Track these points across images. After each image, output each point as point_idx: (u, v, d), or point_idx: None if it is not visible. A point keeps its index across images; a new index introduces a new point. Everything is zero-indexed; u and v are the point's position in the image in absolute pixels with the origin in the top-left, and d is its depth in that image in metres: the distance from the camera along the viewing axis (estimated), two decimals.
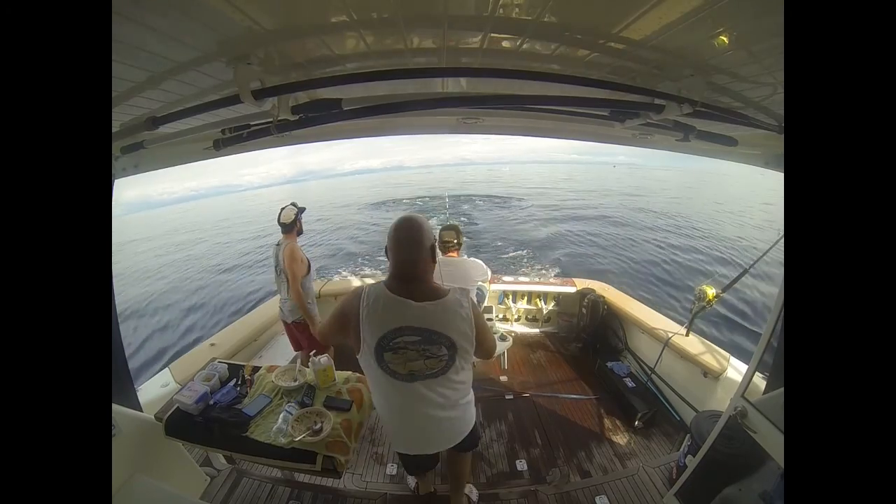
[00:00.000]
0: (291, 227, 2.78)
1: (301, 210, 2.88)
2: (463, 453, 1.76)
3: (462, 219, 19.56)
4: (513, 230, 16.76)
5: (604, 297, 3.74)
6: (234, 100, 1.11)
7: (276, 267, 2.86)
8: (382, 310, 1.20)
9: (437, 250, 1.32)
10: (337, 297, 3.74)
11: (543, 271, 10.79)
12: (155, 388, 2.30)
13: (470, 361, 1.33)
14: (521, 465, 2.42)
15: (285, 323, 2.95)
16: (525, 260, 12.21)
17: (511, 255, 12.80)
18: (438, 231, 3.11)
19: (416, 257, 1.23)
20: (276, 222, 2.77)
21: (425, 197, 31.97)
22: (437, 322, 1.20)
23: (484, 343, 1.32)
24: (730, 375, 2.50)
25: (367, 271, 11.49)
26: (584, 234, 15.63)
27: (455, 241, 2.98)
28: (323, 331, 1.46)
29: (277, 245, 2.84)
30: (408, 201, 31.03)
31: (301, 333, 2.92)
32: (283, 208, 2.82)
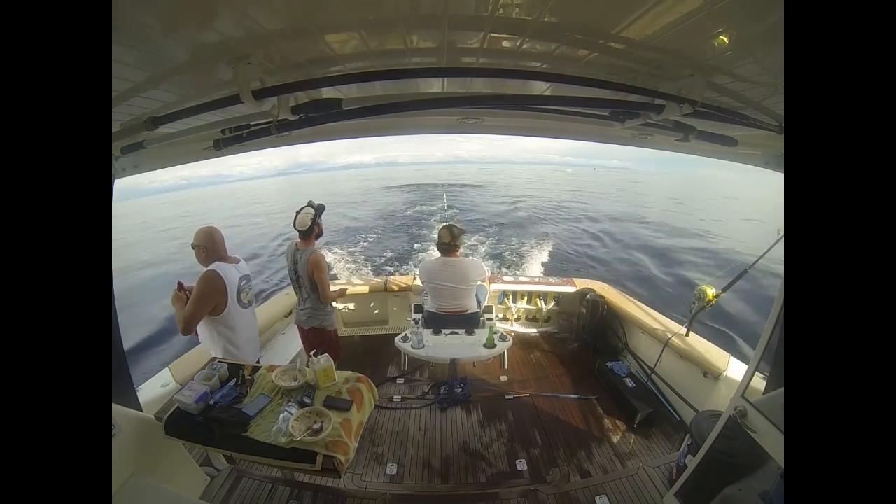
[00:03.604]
0: (309, 233, 2.54)
1: (319, 211, 2.60)
2: None
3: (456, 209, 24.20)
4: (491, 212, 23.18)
5: (604, 297, 3.74)
6: (234, 100, 1.11)
7: (292, 271, 2.64)
8: (233, 273, 2.09)
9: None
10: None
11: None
12: (155, 388, 2.30)
13: None
14: (521, 464, 2.42)
15: (301, 328, 2.78)
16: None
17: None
18: (438, 232, 3.12)
19: (222, 239, 2.18)
20: (292, 226, 2.53)
21: (425, 185, 44.29)
22: (244, 269, 2.22)
23: None
24: (730, 375, 2.50)
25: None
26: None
27: (454, 241, 2.98)
28: (192, 321, 1.96)
29: (297, 251, 2.59)
30: (412, 186, 43.45)
31: (316, 339, 2.71)
32: (298, 212, 2.55)
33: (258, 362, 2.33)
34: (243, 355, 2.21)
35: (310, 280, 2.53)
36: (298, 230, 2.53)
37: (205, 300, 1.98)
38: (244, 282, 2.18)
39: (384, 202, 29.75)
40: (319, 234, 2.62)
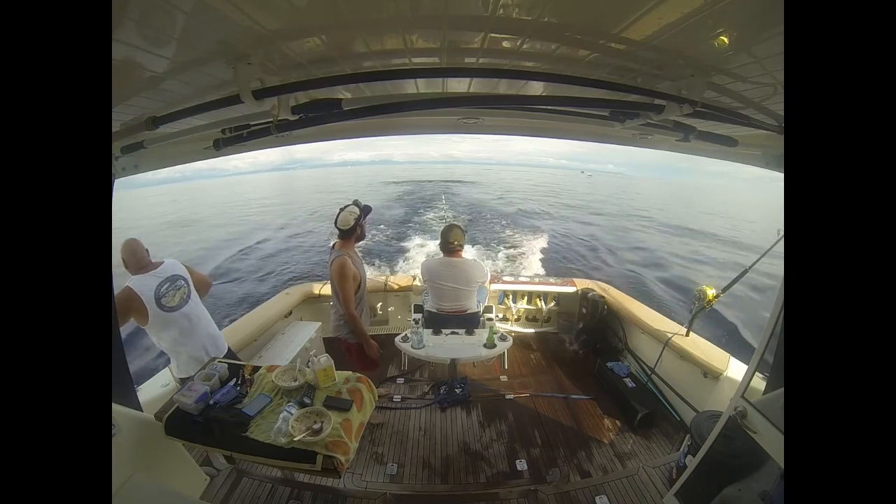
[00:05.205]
0: (350, 234, 2.37)
1: (365, 211, 2.43)
2: None
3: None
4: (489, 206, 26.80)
5: (604, 297, 3.73)
6: (234, 100, 1.12)
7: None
8: (147, 282, 2.01)
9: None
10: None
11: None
12: (155, 388, 2.30)
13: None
14: (521, 465, 2.42)
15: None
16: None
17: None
18: (441, 232, 3.11)
19: (142, 248, 2.14)
20: (334, 225, 2.40)
21: (422, 181, 49.73)
22: (170, 270, 2.13)
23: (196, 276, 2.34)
24: (730, 375, 2.49)
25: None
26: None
27: (457, 241, 2.98)
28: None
29: (332, 251, 2.47)
30: (411, 182, 48.27)
31: (342, 348, 2.60)
32: (342, 209, 2.40)
33: (226, 352, 2.33)
34: (197, 354, 2.14)
35: (332, 286, 2.42)
36: (340, 229, 2.38)
37: (121, 318, 1.91)
38: (166, 286, 2.05)
39: (382, 194, 33.81)
40: (360, 238, 2.46)
